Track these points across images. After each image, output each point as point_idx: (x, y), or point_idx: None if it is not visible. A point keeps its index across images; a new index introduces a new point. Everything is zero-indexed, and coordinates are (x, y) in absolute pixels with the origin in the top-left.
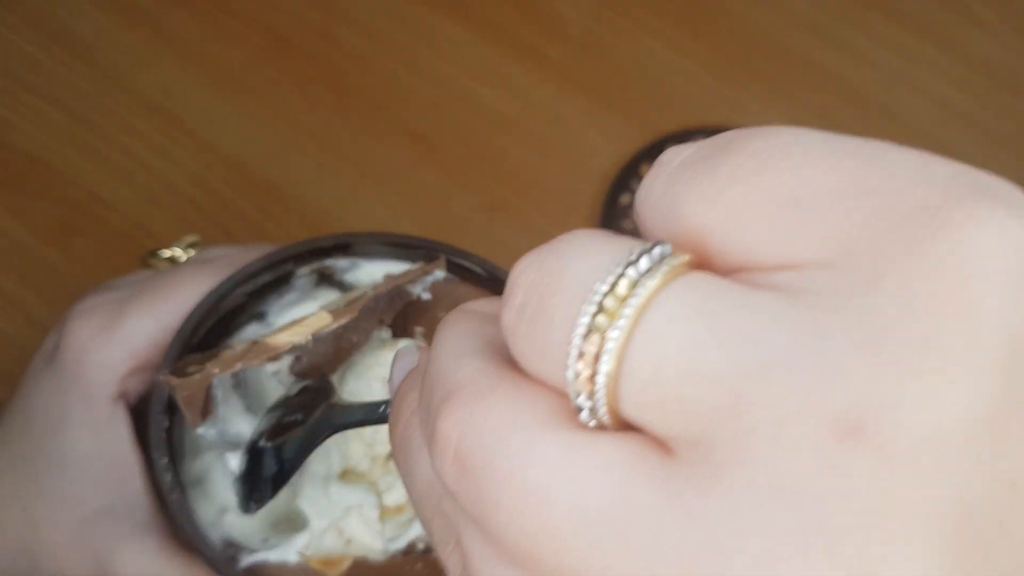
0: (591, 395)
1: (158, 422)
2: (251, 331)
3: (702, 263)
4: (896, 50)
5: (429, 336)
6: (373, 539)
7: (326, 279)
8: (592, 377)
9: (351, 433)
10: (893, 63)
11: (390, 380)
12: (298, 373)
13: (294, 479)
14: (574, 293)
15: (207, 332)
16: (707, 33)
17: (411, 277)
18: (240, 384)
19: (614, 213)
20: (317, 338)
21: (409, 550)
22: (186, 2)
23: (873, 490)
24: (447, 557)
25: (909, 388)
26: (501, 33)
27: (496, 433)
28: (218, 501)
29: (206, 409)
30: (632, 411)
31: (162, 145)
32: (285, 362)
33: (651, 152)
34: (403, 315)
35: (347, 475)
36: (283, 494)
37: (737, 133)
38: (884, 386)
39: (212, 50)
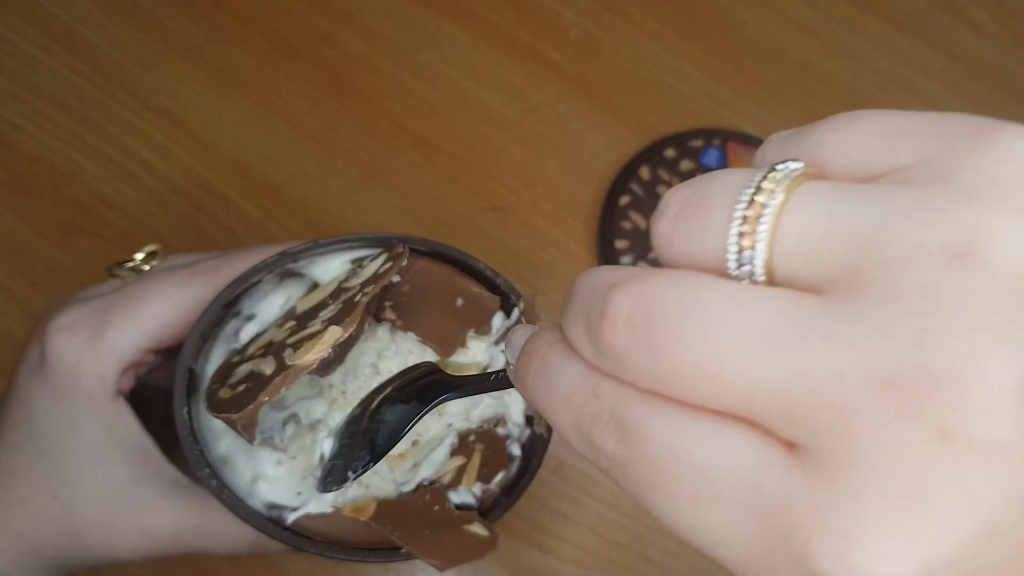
0: (750, 257)
1: (183, 423)
2: (232, 326)
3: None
4: (892, 53)
5: (397, 309)
6: (386, 484)
7: (288, 273)
8: (753, 240)
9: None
10: (889, 66)
11: (507, 346)
12: (318, 373)
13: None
14: (730, 190)
15: (205, 327)
16: (705, 36)
17: (393, 272)
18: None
19: (613, 214)
20: (334, 347)
21: (416, 488)
22: (189, 5)
23: (974, 294)
24: (599, 435)
25: (996, 224)
26: (502, 36)
27: (667, 291)
28: (247, 473)
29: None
30: (784, 265)
31: (165, 146)
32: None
33: (649, 154)
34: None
35: None
36: (307, 448)
37: (825, 118)
38: (977, 222)
39: (215, 52)
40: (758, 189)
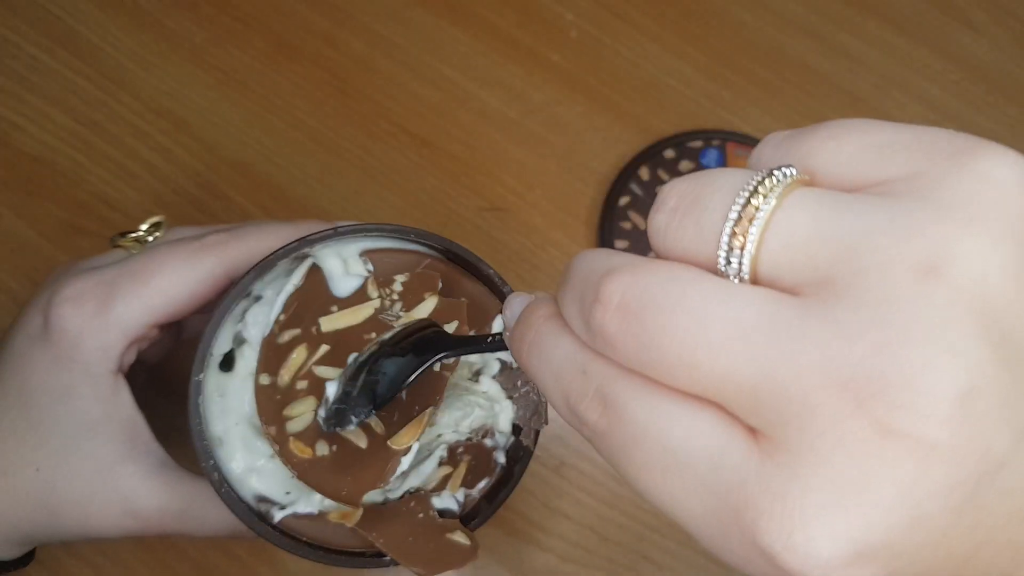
0: (740, 256)
1: (196, 413)
2: (240, 307)
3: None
4: (891, 54)
5: (407, 280)
6: (374, 494)
7: (300, 257)
8: (744, 241)
9: None
10: (887, 66)
11: (505, 311)
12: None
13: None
14: (727, 191)
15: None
16: (704, 37)
17: (448, 321)
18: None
19: (613, 214)
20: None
21: (402, 496)
22: (190, 5)
23: (935, 308)
24: (584, 407)
25: (967, 247)
26: (502, 37)
27: (658, 282)
28: (242, 462)
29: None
30: (768, 266)
31: (166, 147)
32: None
33: (649, 155)
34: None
35: None
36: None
37: (814, 125)
38: (947, 241)
39: (216, 53)
40: (754, 192)
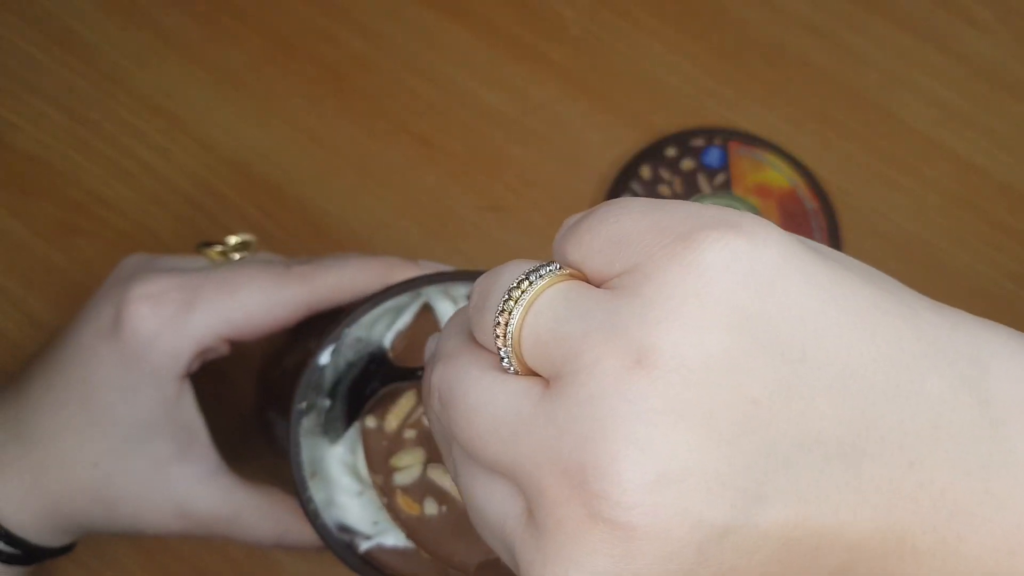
0: (507, 351)
1: (296, 444)
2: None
3: (583, 278)
4: (894, 51)
5: None
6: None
7: (414, 296)
8: (505, 340)
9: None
10: (891, 64)
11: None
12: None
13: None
14: (500, 291)
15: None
16: (706, 34)
17: None
18: None
19: None
20: None
21: None
22: (187, 3)
23: (649, 396)
24: (446, 460)
25: (665, 339)
26: (501, 34)
27: (457, 378)
28: (323, 492)
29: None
30: (529, 361)
31: (163, 145)
32: None
33: (650, 153)
34: None
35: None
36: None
37: (598, 205)
38: (650, 339)
39: (213, 51)
40: (509, 296)
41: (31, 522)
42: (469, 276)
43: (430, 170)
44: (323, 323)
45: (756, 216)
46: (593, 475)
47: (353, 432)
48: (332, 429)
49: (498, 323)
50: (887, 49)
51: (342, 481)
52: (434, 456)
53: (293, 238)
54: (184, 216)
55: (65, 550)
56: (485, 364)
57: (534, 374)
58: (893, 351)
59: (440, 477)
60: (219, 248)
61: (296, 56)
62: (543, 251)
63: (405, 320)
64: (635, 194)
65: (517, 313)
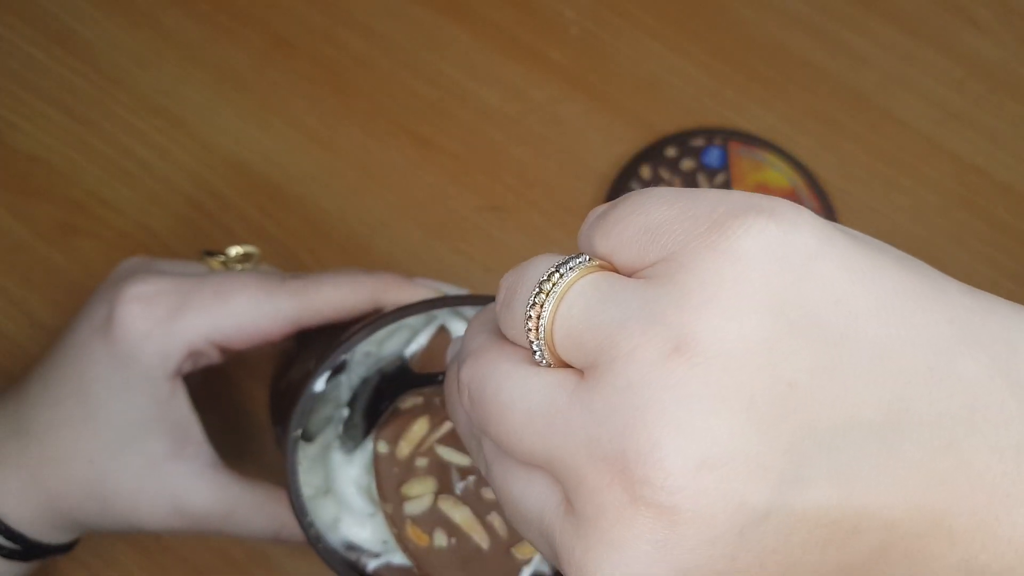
0: (539, 344)
1: (294, 468)
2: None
3: (612, 269)
4: (894, 51)
5: None
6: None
7: (429, 318)
8: (537, 333)
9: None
10: (891, 64)
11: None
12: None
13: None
14: (529, 285)
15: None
16: (706, 35)
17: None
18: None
19: None
20: None
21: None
22: (187, 3)
23: (689, 382)
24: (475, 457)
25: (704, 326)
26: (502, 34)
27: (488, 373)
28: (331, 512)
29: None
30: (562, 353)
31: (163, 145)
32: None
33: (650, 153)
34: None
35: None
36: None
37: (624, 196)
38: (689, 326)
39: (213, 51)
40: (544, 283)
41: (30, 517)
42: (462, 301)
43: (429, 169)
44: (329, 336)
45: (787, 201)
46: (636, 461)
47: (368, 450)
48: (351, 438)
49: (529, 316)
50: (887, 49)
51: (355, 502)
52: (444, 487)
53: (293, 238)
54: (184, 216)
55: (65, 548)
56: (516, 358)
57: (566, 367)
58: (928, 334)
59: (450, 509)
60: (221, 258)
61: (296, 56)
62: (543, 251)
63: (421, 342)
64: None
65: (549, 305)
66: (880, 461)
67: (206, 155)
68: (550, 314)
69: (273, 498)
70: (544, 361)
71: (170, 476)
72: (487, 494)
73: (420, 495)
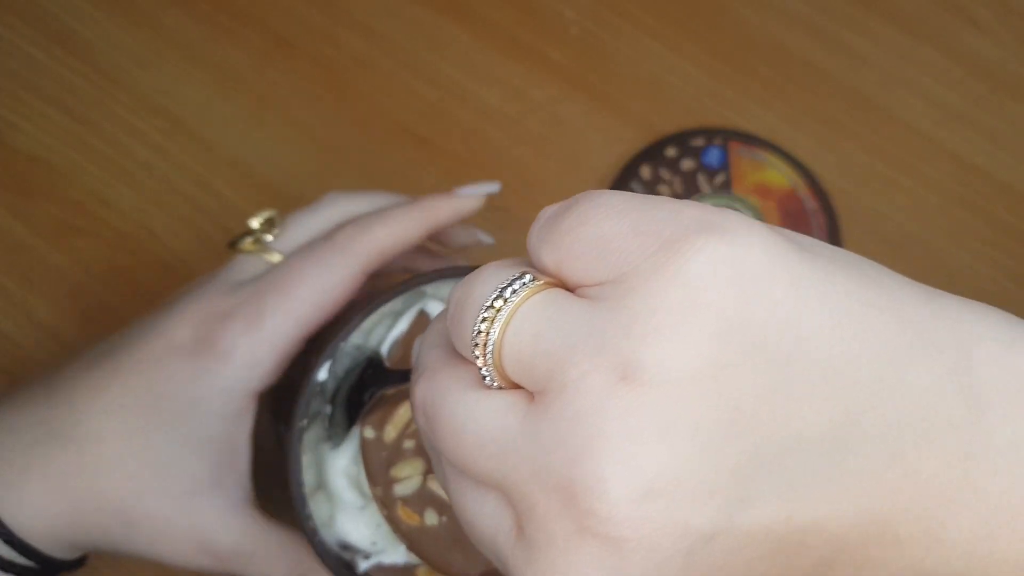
0: (488, 368)
1: (297, 460)
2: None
3: (560, 283)
4: (894, 51)
5: None
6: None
7: (411, 300)
8: (485, 360)
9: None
10: (891, 64)
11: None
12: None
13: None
14: (475, 306)
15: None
16: (706, 35)
17: None
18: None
19: None
20: None
21: None
22: (187, 3)
23: (635, 411)
24: (436, 470)
25: (650, 354)
26: (501, 34)
27: (440, 395)
28: (326, 509)
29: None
30: (512, 376)
31: (163, 145)
32: None
33: (650, 153)
34: None
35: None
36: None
37: (576, 197)
38: (636, 354)
39: (213, 51)
40: (485, 314)
41: (42, 530)
42: (463, 272)
43: (429, 170)
44: (324, 332)
45: (738, 215)
46: (582, 493)
47: (355, 440)
48: (335, 435)
49: (476, 343)
50: (887, 49)
51: (345, 496)
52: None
53: None
54: (184, 216)
55: (76, 565)
56: (467, 380)
57: (517, 386)
58: (878, 346)
59: (439, 488)
60: (249, 239)
61: (295, 55)
62: None
63: (401, 328)
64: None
65: (495, 332)
66: (826, 476)
67: (206, 155)
68: (497, 339)
69: (293, 540)
70: (494, 384)
71: (206, 508)
72: None
73: (409, 476)
